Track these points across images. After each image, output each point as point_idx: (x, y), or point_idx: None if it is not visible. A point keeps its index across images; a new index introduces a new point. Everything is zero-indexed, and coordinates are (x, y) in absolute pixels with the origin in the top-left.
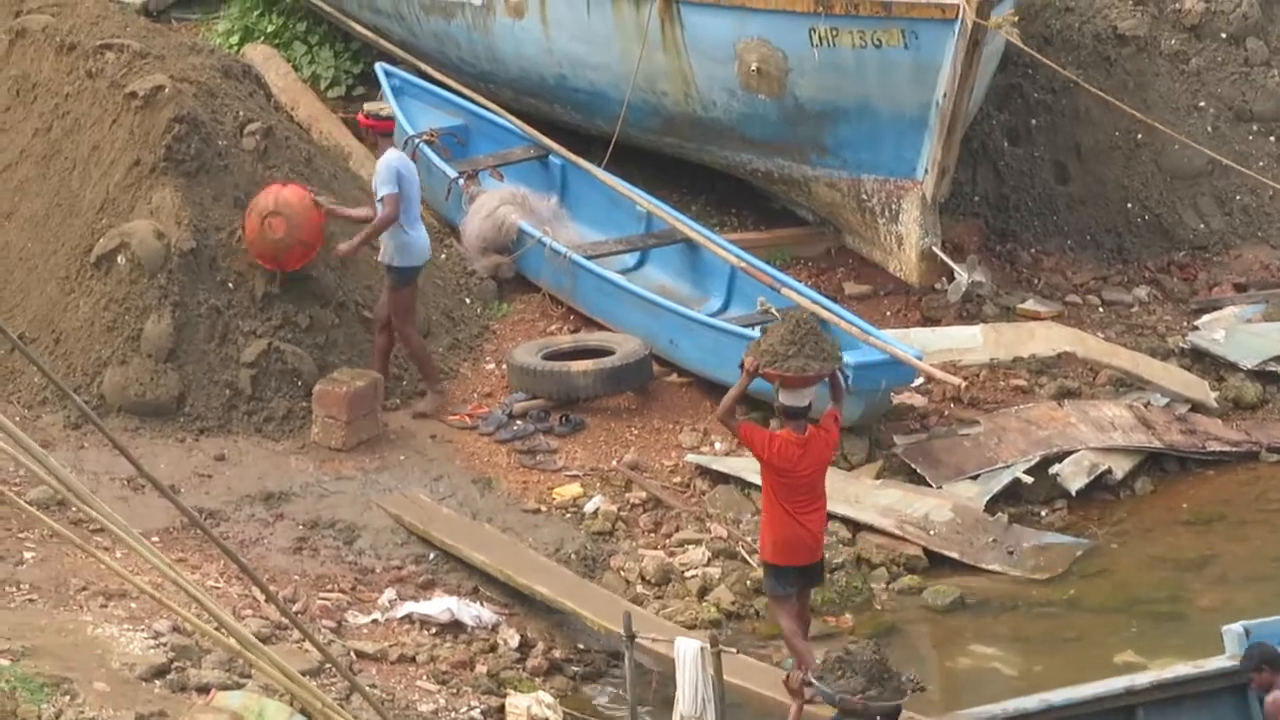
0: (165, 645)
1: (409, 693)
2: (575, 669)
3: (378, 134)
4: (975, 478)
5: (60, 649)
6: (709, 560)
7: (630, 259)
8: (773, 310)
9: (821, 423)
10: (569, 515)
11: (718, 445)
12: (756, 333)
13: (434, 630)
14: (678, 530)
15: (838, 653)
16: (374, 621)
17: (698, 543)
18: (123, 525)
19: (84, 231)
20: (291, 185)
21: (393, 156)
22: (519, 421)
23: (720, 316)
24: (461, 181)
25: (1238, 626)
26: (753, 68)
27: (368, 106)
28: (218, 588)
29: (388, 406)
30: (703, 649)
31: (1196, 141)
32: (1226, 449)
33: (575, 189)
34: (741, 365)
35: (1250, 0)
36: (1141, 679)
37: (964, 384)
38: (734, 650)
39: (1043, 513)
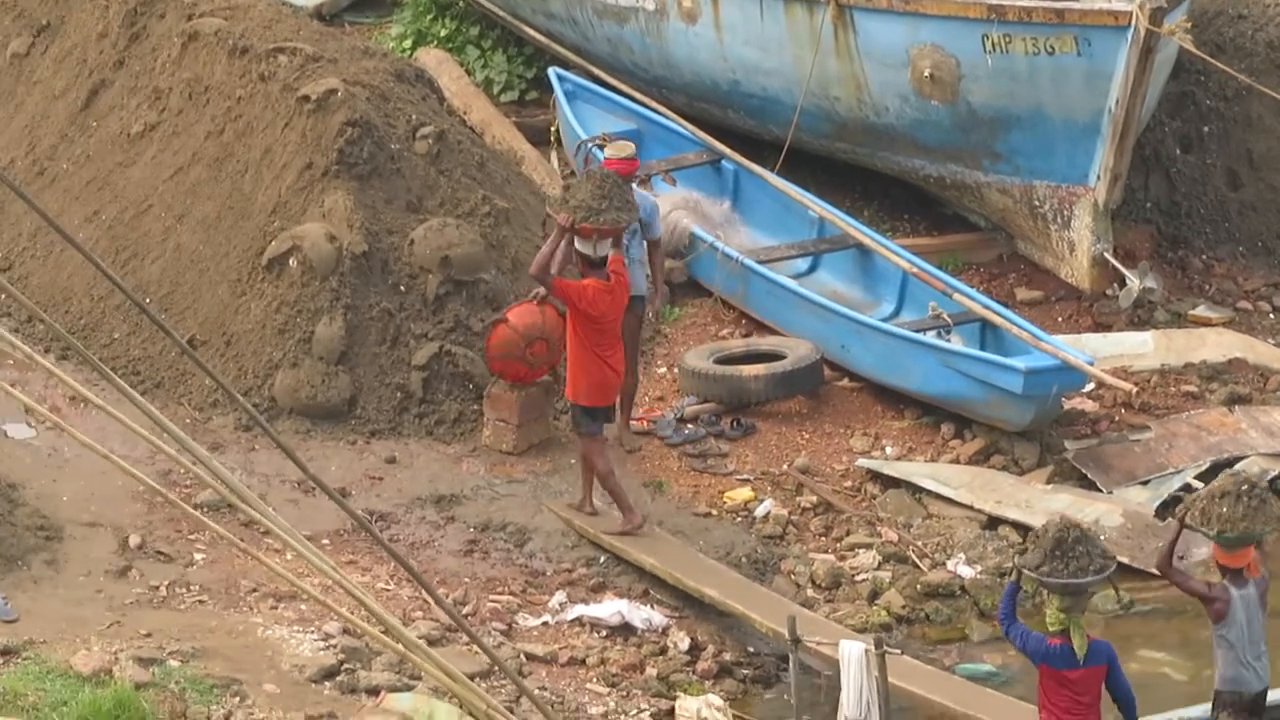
0: (335, 647)
1: (579, 695)
2: (745, 672)
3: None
4: (1146, 483)
5: (230, 650)
6: (879, 564)
7: (802, 264)
8: (944, 316)
9: (614, 268)
10: (740, 519)
11: (888, 450)
12: (929, 338)
13: (604, 633)
14: (848, 534)
15: (1037, 528)
16: (544, 624)
17: (868, 547)
18: (287, 528)
19: (255, 234)
20: (548, 308)
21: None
22: (690, 425)
23: (892, 322)
24: (634, 186)
25: None
26: (926, 74)
27: (609, 150)
28: (388, 589)
29: (559, 410)
30: (867, 651)
31: None
32: None
33: (747, 194)
34: (544, 222)
35: None
36: None
37: (1135, 389)
38: (899, 652)
39: None
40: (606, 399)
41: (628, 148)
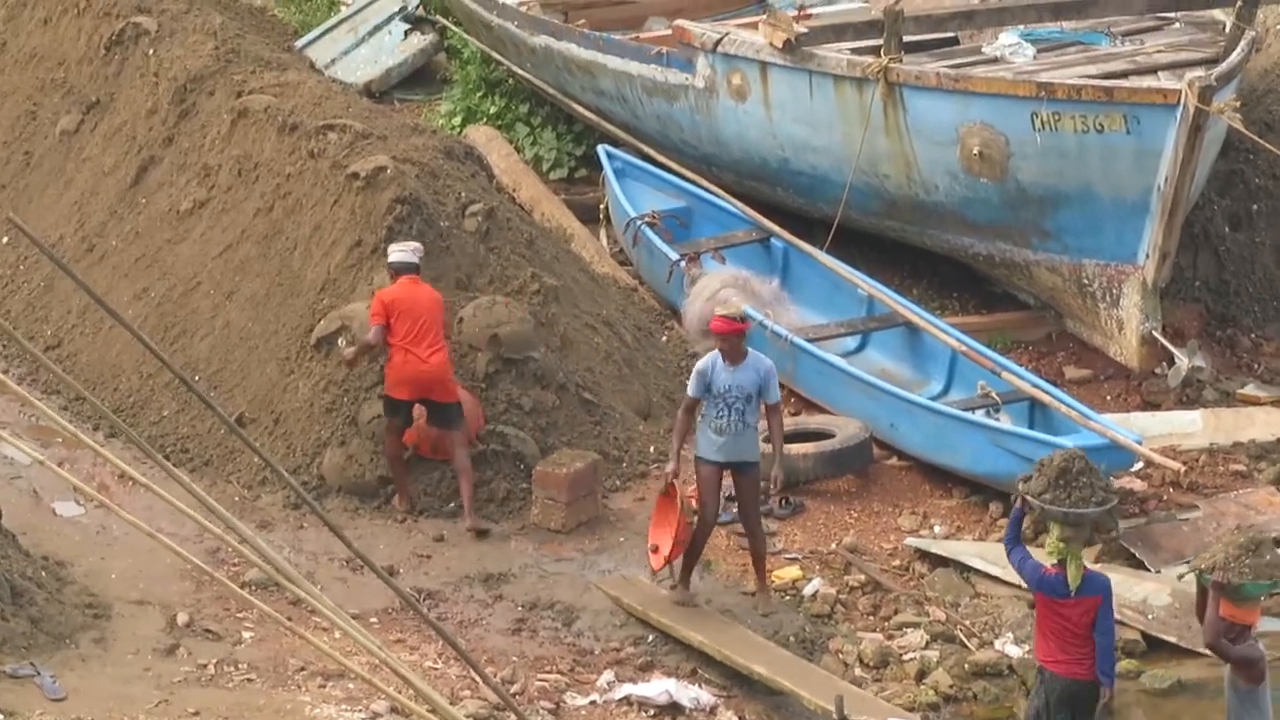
0: None
1: None
2: None
3: (736, 338)
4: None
5: None
6: (927, 643)
7: (851, 342)
8: (993, 394)
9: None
10: (788, 598)
11: (937, 529)
12: (978, 417)
13: (652, 712)
14: (896, 613)
15: (1043, 456)
16: (592, 703)
17: (916, 626)
18: (333, 608)
19: (305, 312)
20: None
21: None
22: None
23: (941, 400)
24: (683, 264)
25: None
26: (975, 151)
27: (719, 310)
28: (436, 668)
29: (608, 488)
30: None
31: None
32: None
33: (797, 272)
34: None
35: None
36: None
37: (1183, 469)
38: None
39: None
40: (408, 393)
41: (736, 307)
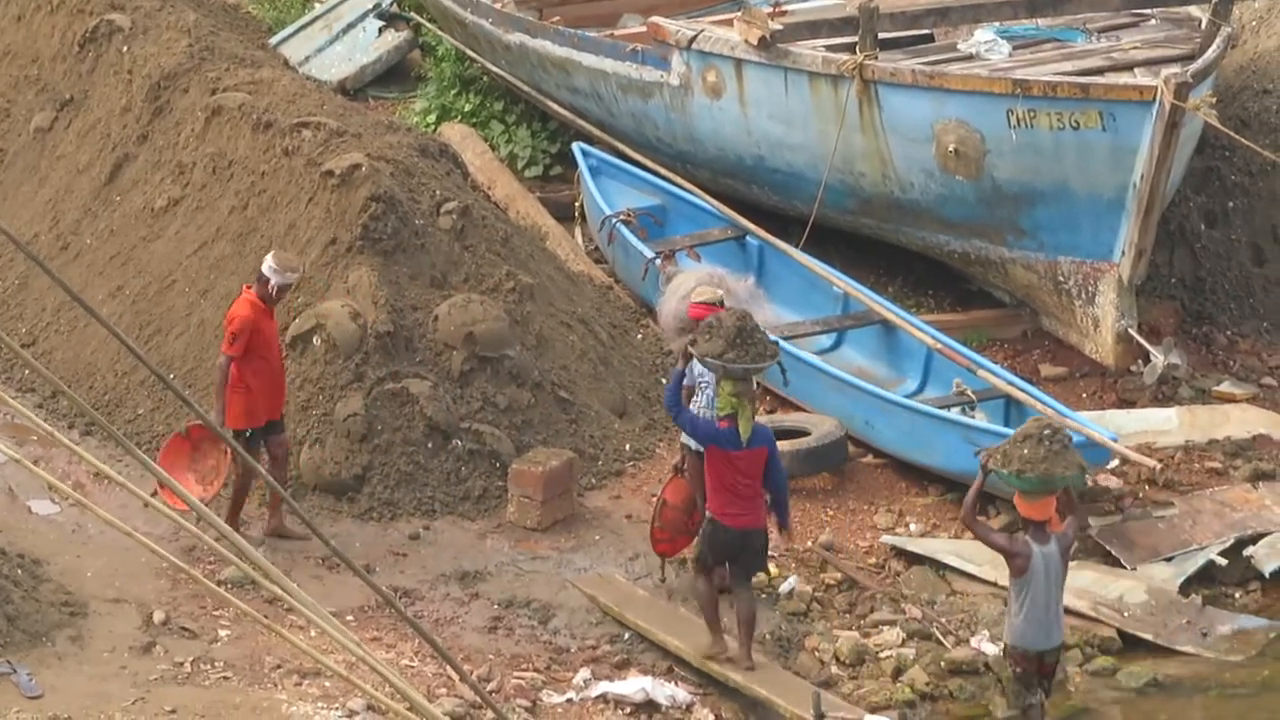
0: None
1: None
2: None
3: None
4: (1169, 560)
5: None
6: (903, 641)
7: (827, 340)
8: (969, 392)
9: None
10: (764, 596)
11: (913, 527)
12: (954, 415)
13: (628, 710)
14: (872, 611)
15: (711, 318)
16: (569, 701)
17: (892, 624)
18: (311, 604)
19: (280, 311)
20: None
21: None
22: None
23: (917, 398)
24: (658, 261)
25: None
26: (950, 149)
27: (696, 296)
28: (412, 666)
29: (584, 486)
30: None
31: None
32: None
33: (772, 269)
34: None
35: None
36: None
37: (1159, 466)
38: None
39: (1237, 595)
40: (254, 421)
41: (712, 292)
